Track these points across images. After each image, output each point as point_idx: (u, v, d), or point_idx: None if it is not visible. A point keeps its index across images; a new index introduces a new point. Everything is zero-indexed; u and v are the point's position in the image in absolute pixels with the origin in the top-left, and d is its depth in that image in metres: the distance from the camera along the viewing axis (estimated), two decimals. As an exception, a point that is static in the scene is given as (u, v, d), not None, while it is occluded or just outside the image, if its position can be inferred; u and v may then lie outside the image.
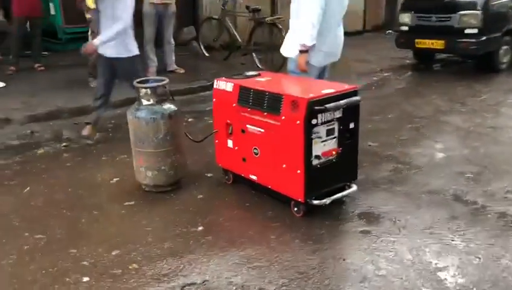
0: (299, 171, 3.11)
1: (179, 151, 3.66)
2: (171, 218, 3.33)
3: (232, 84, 3.51)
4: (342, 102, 3.09)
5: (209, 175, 3.96)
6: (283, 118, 3.12)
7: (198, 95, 6.51)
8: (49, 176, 4.11)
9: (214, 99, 3.65)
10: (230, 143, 3.60)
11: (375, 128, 4.98)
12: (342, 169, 3.32)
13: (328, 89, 3.17)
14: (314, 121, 3.04)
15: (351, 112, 3.24)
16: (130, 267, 2.80)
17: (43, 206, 3.54)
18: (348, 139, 3.30)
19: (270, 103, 3.21)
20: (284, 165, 3.19)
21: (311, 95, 3.04)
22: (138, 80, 3.61)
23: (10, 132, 5.18)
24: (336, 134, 3.23)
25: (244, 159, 3.53)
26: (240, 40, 8.04)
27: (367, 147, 4.46)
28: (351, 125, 3.29)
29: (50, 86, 6.59)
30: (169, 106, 3.58)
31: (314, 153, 3.12)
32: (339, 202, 3.39)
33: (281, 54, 3.98)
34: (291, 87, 3.48)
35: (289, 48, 3.76)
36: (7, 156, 4.58)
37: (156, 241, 3.05)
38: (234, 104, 3.46)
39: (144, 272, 2.76)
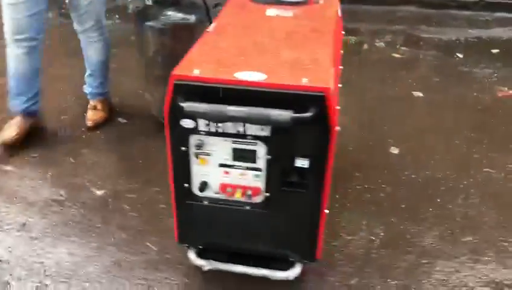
0: (172, 196, 1.73)
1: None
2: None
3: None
4: (231, 109, 1.38)
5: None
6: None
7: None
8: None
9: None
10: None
11: None
12: (276, 231, 1.67)
13: (254, 73, 1.45)
14: (187, 123, 1.51)
15: (304, 136, 1.46)
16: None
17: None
18: (293, 186, 1.57)
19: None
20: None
21: (195, 73, 1.46)
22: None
23: None
24: (261, 165, 1.57)
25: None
26: None
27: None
28: (301, 163, 1.52)
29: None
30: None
31: (197, 179, 1.63)
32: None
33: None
34: (211, 46, 1.70)
35: None
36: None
37: None
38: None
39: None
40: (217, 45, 1.70)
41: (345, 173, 2.46)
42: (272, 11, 1.99)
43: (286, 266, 1.77)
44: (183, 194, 1.66)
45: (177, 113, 1.48)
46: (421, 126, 2.91)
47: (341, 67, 1.94)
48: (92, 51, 2.76)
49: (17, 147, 2.62)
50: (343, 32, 2.26)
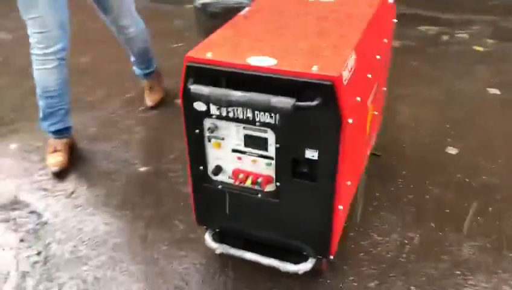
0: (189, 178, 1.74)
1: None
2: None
3: None
4: (233, 93, 1.35)
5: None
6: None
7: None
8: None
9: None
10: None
11: None
12: (288, 221, 1.63)
13: (266, 58, 1.41)
14: (200, 106, 1.51)
15: (312, 126, 1.40)
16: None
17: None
18: (304, 177, 1.51)
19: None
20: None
21: (208, 56, 1.45)
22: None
23: None
24: (272, 153, 1.52)
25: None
26: None
27: None
28: (310, 154, 1.45)
29: None
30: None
31: (212, 162, 1.63)
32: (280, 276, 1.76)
33: None
34: (236, 30, 1.69)
35: None
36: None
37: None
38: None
39: None
40: (242, 28, 1.68)
41: (390, 170, 2.33)
42: (318, -3, 1.92)
43: (302, 260, 1.72)
44: (199, 177, 1.68)
45: (190, 96, 1.49)
46: (488, 126, 2.65)
47: (378, 56, 1.81)
48: (132, 45, 2.75)
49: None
50: (395, 20, 2.11)
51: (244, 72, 1.40)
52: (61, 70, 2.32)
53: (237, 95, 1.36)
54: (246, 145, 1.55)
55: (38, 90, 2.37)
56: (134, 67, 2.99)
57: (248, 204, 1.65)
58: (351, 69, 1.44)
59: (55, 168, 2.44)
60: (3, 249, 2.03)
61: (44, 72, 2.30)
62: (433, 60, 3.46)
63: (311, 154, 1.46)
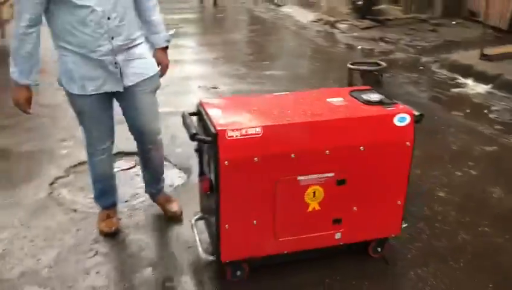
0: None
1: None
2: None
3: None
4: (186, 120, 2.39)
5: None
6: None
7: None
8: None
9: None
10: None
11: None
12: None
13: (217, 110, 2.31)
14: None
15: (212, 155, 2.29)
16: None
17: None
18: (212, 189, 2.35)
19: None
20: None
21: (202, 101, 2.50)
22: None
23: None
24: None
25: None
26: None
27: None
28: (211, 175, 2.30)
29: None
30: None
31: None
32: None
33: None
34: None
35: None
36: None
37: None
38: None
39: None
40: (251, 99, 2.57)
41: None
42: (337, 100, 2.51)
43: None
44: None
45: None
46: None
47: (327, 152, 2.25)
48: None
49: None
50: (408, 143, 2.35)
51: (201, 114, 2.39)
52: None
53: (186, 120, 2.35)
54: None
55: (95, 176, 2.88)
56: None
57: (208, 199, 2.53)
58: (249, 135, 2.16)
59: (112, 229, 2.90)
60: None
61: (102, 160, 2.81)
62: None
63: (211, 175, 2.29)
